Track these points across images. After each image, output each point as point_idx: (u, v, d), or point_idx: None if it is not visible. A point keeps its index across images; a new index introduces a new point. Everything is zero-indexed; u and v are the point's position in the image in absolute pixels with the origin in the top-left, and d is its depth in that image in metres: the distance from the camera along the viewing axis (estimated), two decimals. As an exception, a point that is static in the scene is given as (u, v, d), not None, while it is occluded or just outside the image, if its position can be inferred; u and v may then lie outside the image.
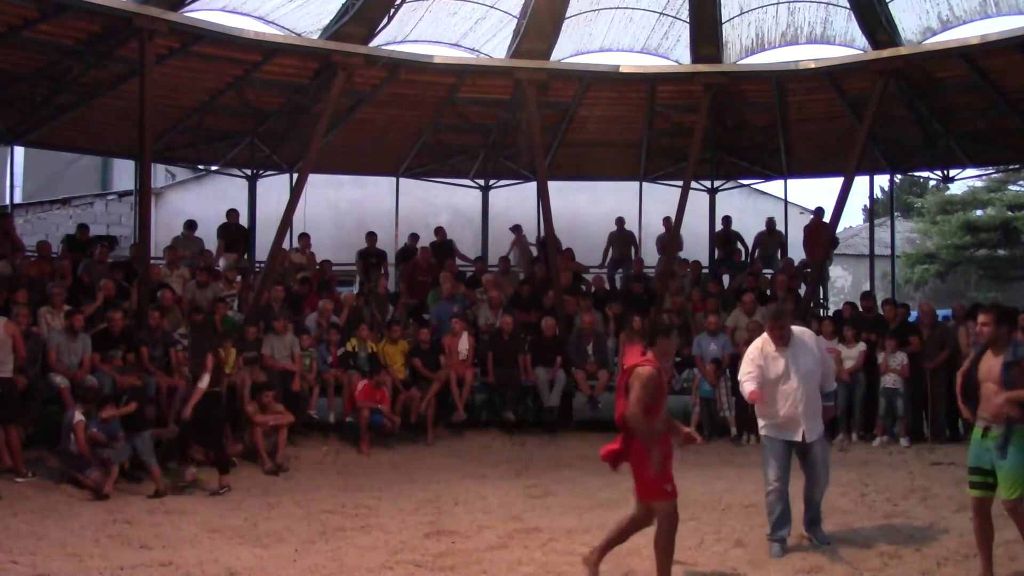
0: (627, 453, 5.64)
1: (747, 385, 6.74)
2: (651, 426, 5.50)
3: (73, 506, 8.10)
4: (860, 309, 13.22)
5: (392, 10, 12.50)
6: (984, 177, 21.82)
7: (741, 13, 13.24)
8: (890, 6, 12.38)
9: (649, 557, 6.44)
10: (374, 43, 12.63)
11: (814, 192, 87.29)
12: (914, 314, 13.38)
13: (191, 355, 9.74)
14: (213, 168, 17.07)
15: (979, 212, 25.63)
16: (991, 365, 5.71)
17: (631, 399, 5.44)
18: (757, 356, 6.73)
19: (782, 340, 6.63)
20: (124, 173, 20.28)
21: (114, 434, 9.04)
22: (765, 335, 6.81)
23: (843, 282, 24.89)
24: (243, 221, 15.12)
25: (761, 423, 6.79)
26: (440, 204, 17.82)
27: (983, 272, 25.01)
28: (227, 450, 9.54)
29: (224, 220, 14.63)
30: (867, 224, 21.11)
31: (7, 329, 8.91)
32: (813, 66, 13.07)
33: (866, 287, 17.72)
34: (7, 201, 15.81)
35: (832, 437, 10.71)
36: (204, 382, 9.07)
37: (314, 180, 13.42)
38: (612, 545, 5.87)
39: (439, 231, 15.74)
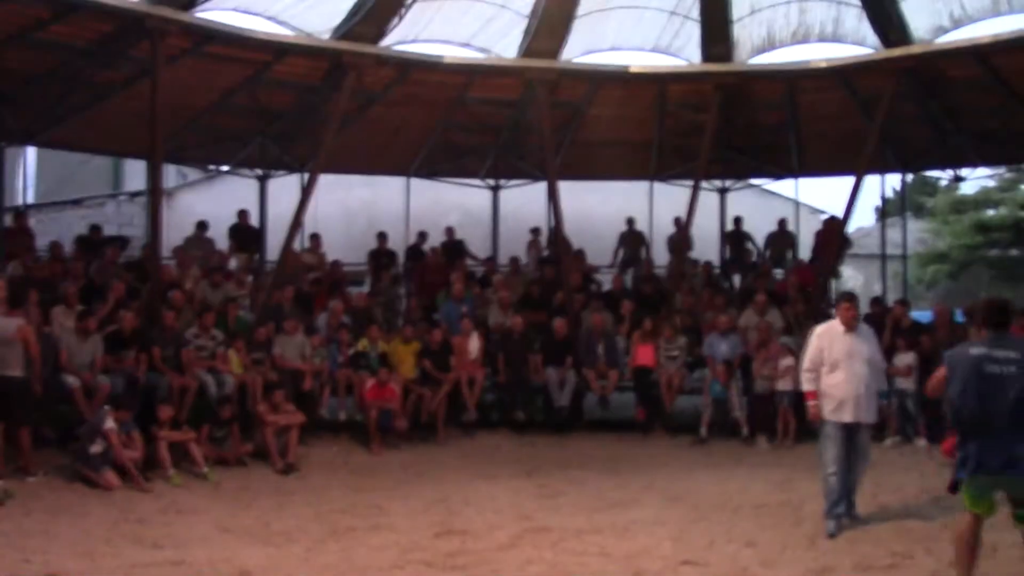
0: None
1: (805, 385, 7.42)
2: None
3: (85, 505, 8.10)
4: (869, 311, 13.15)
5: (403, 10, 12.52)
6: (996, 176, 21.73)
7: (752, 12, 13.17)
8: (901, 5, 12.30)
9: (660, 558, 6.46)
10: (385, 43, 12.65)
11: (825, 192, 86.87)
12: (919, 315, 13.30)
13: None
14: (224, 168, 17.11)
15: (991, 212, 25.48)
16: None
17: None
18: (821, 343, 7.28)
19: (854, 320, 7.29)
20: (136, 173, 20.37)
21: (128, 433, 9.10)
22: (831, 322, 7.50)
23: (854, 282, 24.78)
24: (254, 221, 15.16)
25: (825, 405, 7.24)
26: (450, 204, 17.79)
27: (995, 272, 24.86)
28: None
29: (235, 220, 14.67)
30: (878, 224, 21.02)
31: (19, 333, 8.74)
32: (824, 65, 13.02)
33: (877, 287, 17.64)
34: (20, 201, 15.89)
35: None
36: None
37: (325, 180, 13.44)
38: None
39: (449, 231, 15.75)
